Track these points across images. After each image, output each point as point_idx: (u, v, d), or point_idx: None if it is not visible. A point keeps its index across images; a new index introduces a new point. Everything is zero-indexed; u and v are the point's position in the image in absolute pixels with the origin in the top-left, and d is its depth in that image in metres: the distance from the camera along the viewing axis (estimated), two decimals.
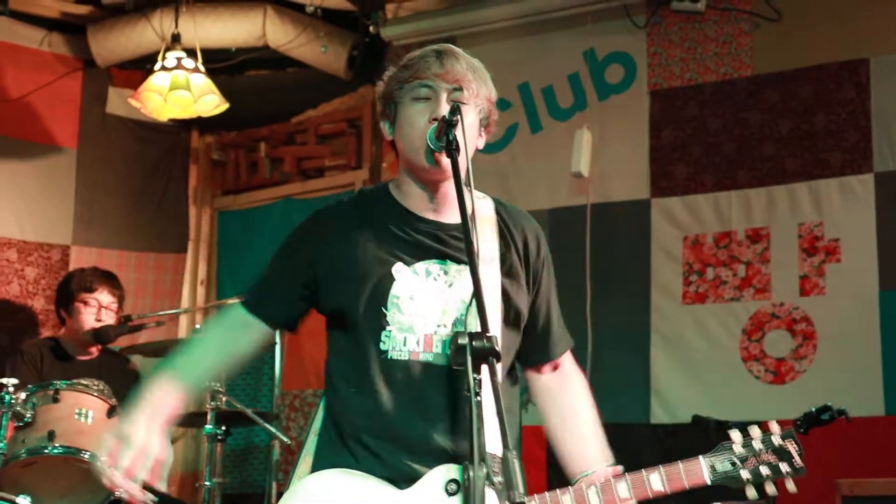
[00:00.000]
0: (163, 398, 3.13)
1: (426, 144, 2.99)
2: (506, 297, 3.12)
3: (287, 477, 7.72)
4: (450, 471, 2.96)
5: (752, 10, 6.77)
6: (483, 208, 3.19)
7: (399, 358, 3.04)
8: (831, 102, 6.51)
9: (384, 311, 3.06)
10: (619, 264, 6.94)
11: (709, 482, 2.85)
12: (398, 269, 3.08)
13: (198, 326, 6.23)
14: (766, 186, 6.61)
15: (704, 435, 5.69)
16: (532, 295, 3.22)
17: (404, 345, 3.04)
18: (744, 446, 2.85)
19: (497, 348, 2.55)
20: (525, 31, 7.34)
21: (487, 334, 2.56)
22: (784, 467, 2.82)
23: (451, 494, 2.93)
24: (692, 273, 6.71)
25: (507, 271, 3.15)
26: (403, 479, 2.98)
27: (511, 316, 3.14)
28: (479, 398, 2.48)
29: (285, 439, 5.90)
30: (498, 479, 2.66)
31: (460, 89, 3.05)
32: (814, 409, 5.19)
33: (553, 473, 3.37)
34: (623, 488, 2.85)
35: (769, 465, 2.83)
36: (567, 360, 3.40)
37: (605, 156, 7.01)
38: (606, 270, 6.91)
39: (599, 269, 6.91)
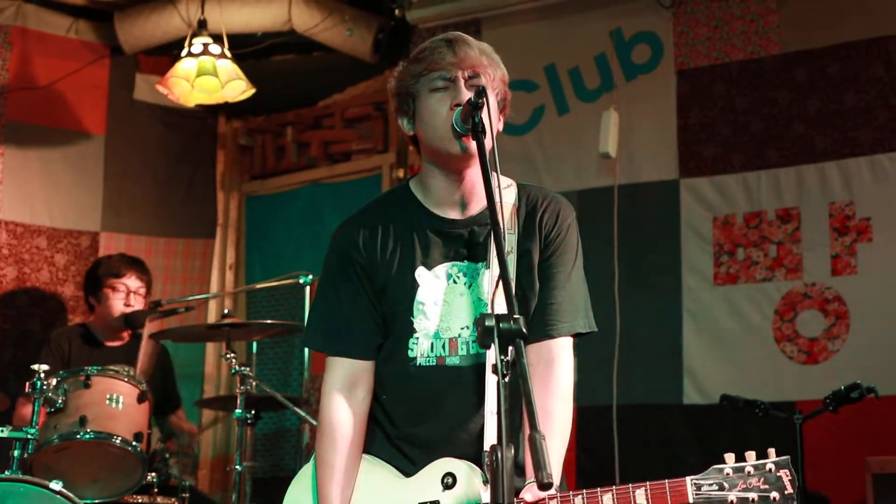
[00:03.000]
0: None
1: (451, 130, 3.00)
2: (521, 291, 3.10)
3: None
4: (449, 464, 3.00)
5: None
6: (506, 197, 3.17)
7: (427, 364, 3.10)
8: (860, 80, 6.45)
9: (411, 318, 3.11)
10: (648, 246, 6.91)
11: (691, 500, 2.80)
12: (420, 273, 3.12)
13: (227, 311, 6.21)
14: (795, 165, 6.56)
15: (735, 414, 5.68)
16: (539, 261, 3.15)
17: (431, 350, 3.10)
18: (735, 470, 2.76)
19: (524, 330, 2.54)
20: (551, 12, 7.31)
21: (514, 316, 2.55)
22: (774, 495, 2.72)
23: (446, 487, 2.98)
24: (723, 254, 6.68)
25: (525, 264, 3.13)
26: None
27: (523, 310, 3.08)
28: (506, 379, 2.48)
29: (315, 423, 5.91)
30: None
31: (477, 75, 3.06)
32: (843, 387, 5.19)
33: None
34: (608, 499, 2.83)
35: (759, 491, 2.73)
36: (562, 354, 3.12)
37: (632, 136, 6.98)
38: (636, 252, 6.89)
39: (628, 251, 6.88)
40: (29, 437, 5.06)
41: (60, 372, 5.43)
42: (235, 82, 7.17)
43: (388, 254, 3.15)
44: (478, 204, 3.14)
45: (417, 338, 3.10)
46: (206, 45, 7.07)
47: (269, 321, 6.95)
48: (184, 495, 5.81)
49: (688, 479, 2.79)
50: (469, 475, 2.96)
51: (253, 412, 5.71)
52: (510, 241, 3.12)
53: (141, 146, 8.22)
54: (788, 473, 2.75)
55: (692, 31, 6.96)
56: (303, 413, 5.86)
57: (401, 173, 7.83)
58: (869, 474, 5.41)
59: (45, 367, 5.21)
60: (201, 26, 7.15)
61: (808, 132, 6.55)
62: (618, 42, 7.16)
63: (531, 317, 3.11)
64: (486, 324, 2.52)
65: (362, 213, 3.27)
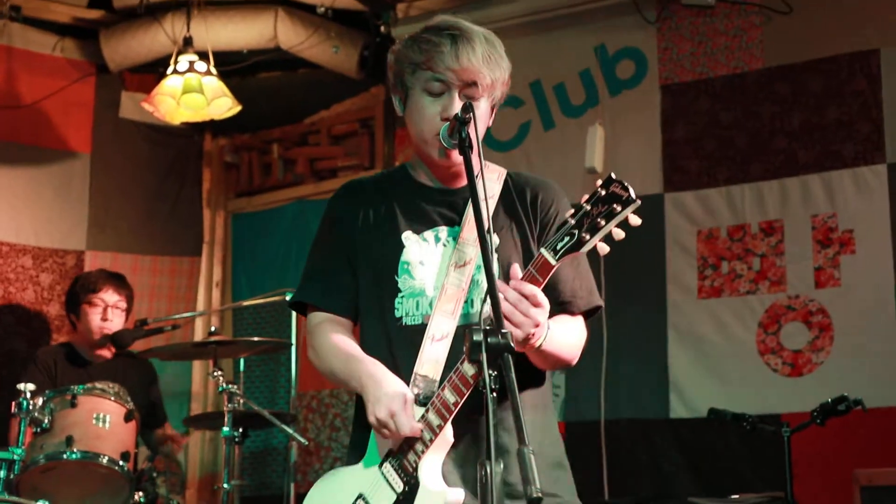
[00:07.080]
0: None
1: (438, 142, 3.02)
2: (504, 261, 3.05)
3: (305, 478, 7.75)
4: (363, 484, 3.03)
5: (762, 2, 6.74)
6: (494, 180, 3.21)
7: (413, 323, 3.07)
8: (843, 94, 6.48)
9: (395, 278, 3.10)
10: (633, 260, 6.90)
11: (555, 263, 2.80)
12: (407, 236, 3.13)
13: (213, 328, 6.21)
14: (778, 179, 6.58)
15: (722, 428, 5.68)
16: (538, 241, 3.16)
17: (417, 309, 3.07)
18: (576, 214, 2.80)
19: (512, 344, 2.55)
20: (535, 28, 7.33)
21: (502, 330, 2.56)
22: (617, 207, 2.75)
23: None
24: (707, 267, 6.69)
25: (512, 236, 3.14)
26: None
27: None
28: (493, 394, 2.48)
29: (302, 440, 5.90)
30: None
31: (474, 84, 3.04)
32: (830, 400, 5.20)
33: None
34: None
35: (603, 214, 2.77)
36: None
37: (617, 151, 6.99)
38: (621, 266, 6.86)
39: (614, 265, 6.86)
40: (15, 457, 5.06)
41: (47, 391, 5.42)
42: (221, 99, 7.17)
43: (374, 218, 3.18)
44: (464, 180, 3.08)
45: (403, 297, 3.08)
46: (191, 62, 7.08)
47: (255, 338, 6.95)
48: None
49: (541, 249, 2.83)
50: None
51: (240, 430, 5.69)
52: (494, 219, 3.11)
53: (126, 164, 8.21)
54: (618, 185, 2.77)
55: (676, 47, 6.99)
56: (290, 430, 5.85)
57: None
58: (857, 487, 5.40)
59: (31, 386, 5.20)
60: (187, 44, 7.16)
61: (791, 146, 6.58)
62: (602, 58, 7.18)
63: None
64: (474, 338, 2.53)
65: (359, 181, 3.32)
